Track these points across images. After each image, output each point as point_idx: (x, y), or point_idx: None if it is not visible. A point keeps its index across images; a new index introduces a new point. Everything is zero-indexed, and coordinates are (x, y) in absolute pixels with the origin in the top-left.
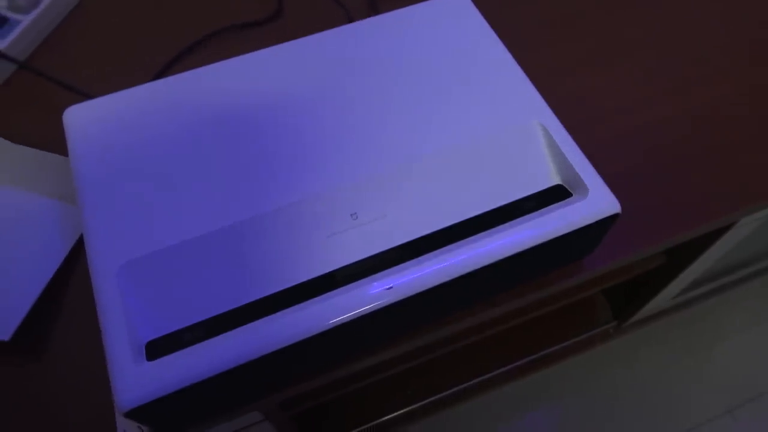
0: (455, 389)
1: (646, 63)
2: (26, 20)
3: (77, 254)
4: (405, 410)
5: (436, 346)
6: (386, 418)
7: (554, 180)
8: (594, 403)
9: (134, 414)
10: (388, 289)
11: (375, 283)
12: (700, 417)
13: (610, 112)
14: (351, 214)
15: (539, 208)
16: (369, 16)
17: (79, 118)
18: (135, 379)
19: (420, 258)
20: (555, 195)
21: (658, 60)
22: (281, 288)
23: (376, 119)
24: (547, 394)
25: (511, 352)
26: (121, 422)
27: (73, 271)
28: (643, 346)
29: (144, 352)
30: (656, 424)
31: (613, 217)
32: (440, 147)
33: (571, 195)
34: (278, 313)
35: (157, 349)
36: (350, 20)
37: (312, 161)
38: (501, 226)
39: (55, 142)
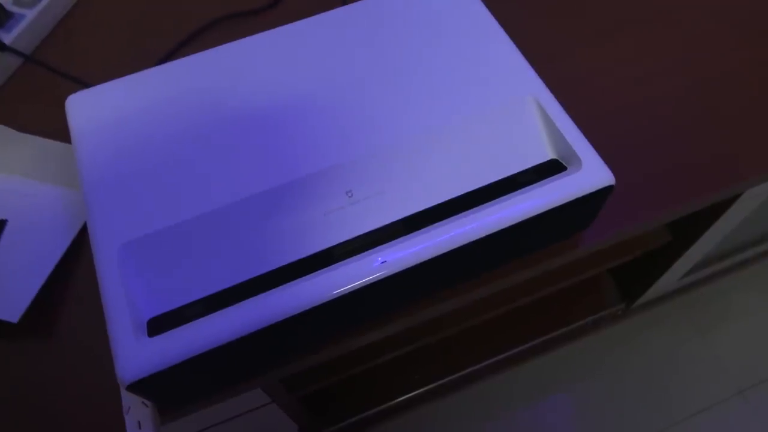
0: (462, 373)
1: (639, 40)
2: (31, 14)
3: (83, 239)
4: (413, 393)
5: (438, 330)
6: (393, 402)
7: (549, 154)
8: (603, 385)
9: (135, 387)
10: (383, 263)
11: (369, 258)
12: (711, 398)
13: (607, 88)
14: (346, 192)
15: (534, 182)
16: None
17: (81, 105)
18: (136, 354)
19: (415, 233)
20: (550, 169)
21: (651, 37)
22: (277, 266)
23: (372, 98)
24: (556, 377)
25: (520, 335)
26: (127, 399)
27: (79, 255)
28: (651, 328)
29: (145, 328)
30: (666, 405)
31: (607, 189)
32: (435, 124)
33: (566, 169)
34: (273, 290)
35: (158, 325)
36: (345, 2)
37: (309, 141)
38: (496, 200)
39: (60, 131)
